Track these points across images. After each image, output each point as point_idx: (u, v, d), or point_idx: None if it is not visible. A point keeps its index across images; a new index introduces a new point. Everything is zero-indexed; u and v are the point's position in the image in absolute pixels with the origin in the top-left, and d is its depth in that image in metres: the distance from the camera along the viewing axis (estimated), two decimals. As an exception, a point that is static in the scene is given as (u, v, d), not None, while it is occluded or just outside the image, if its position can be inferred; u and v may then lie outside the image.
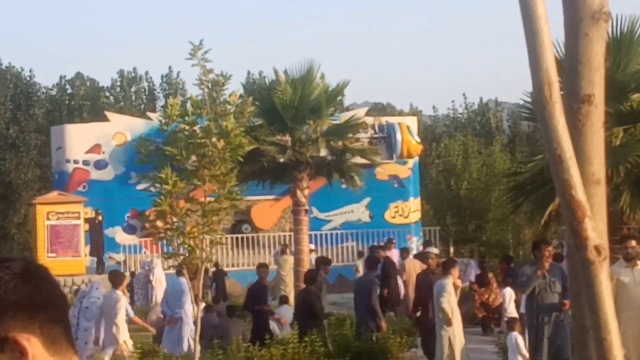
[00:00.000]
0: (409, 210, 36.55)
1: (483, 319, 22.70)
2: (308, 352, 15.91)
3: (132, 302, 24.03)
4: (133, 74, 53.91)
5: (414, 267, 22.91)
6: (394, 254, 27.38)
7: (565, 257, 11.01)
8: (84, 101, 50.97)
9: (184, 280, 17.23)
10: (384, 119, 37.18)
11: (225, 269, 30.86)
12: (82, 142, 34.80)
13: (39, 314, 1.74)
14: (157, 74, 58.62)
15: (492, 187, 41.27)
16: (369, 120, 35.11)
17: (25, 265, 1.78)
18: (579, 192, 4.28)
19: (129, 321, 17.22)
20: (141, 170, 17.43)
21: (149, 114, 37.87)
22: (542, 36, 4.27)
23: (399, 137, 35.05)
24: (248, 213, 34.46)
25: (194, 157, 14.15)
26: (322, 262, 20.06)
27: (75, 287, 29.23)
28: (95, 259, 31.30)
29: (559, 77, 4.39)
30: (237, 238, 33.39)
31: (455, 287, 15.34)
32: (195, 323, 14.86)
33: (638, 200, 15.32)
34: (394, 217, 36.35)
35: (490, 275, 24.39)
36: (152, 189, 14.30)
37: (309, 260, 24.23)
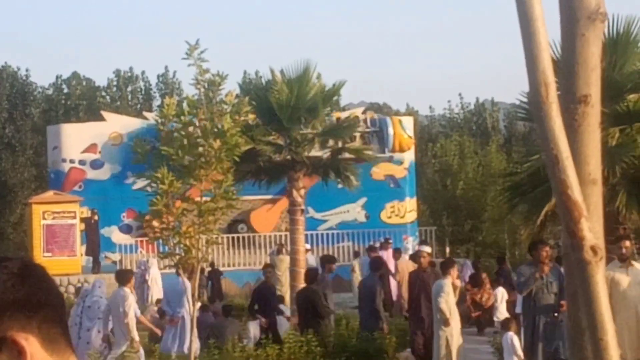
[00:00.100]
0: (405, 210, 36.54)
1: (477, 318, 22.77)
2: (304, 352, 15.91)
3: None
4: (129, 74, 53.85)
5: (407, 268, 22.89)
6: (390, 255, 27.38)
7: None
8: (80, 101, 50.89)
9: (184, 280, 17.19)
10: (376, 114, 37.22)
11: (221, 268, 30.82)
12: (78, 141, 34.80)
13: (37, 313, 1.74)
14: (154, 74, 58.75)
15: (488, 187, 41.25)
16: (361, 114, 35.18)
17: (22, 265, 1.77)
18: (576, 192, 4.29)
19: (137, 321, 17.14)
20: (137, 169, 17.42)
21: (145, 113, 37.82)
22: (539, 37, 4.28)
23: (390, 131, 35.10)
24: (246, 216, 34.55)
25: (189, 158, 14.15)
26: (327, 260, 19.98)
27: (71, 287, 29.27)
28: (91, 258, 31.27)
29: (556, 77, 4.40)
30: (233, 238, 33.37)
31: (454, 287, 15.33)
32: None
33: (634, 201, 15.31)
34: (390, 217, 36.34)
35: (484, 275, 24.49)
36: (149, 188, 14.31)
37: (305, 260, 24.24)
